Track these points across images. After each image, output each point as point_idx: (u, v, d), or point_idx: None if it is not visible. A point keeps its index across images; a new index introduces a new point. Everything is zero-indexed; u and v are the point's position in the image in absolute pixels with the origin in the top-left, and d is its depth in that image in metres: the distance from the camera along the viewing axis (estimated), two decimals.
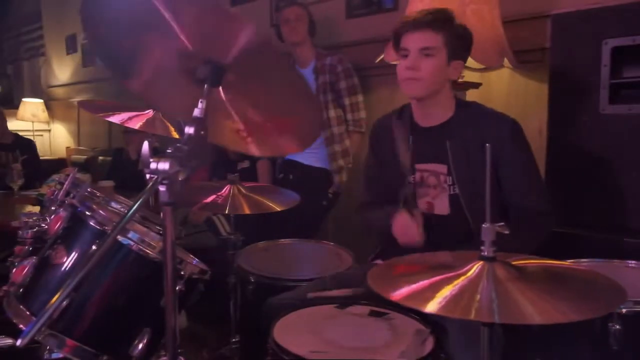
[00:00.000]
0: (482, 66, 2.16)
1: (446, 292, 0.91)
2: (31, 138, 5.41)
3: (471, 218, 1.57)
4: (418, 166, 1.66)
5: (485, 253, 0.98)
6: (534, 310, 0.86)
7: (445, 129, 1.63)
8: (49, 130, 6.89)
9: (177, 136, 2.09)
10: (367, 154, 1.86)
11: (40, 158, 5.03)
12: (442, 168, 1.62)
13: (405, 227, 1.56)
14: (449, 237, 1.52)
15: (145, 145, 0.97)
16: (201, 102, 1.07)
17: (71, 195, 1.32)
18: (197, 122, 1.05)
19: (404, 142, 1.66)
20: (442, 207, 1.63)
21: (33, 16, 6.93)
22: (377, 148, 1.80)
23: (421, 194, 1.66)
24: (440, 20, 1.55)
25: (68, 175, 1.38)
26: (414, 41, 1.56)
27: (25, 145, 4.43)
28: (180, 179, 0.97)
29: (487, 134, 1.55)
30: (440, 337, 1.26)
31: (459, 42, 1.58)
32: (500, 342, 1.31)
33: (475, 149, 1.55)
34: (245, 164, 3.14)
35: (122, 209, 1.49)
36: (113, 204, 1.50)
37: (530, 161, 1.61)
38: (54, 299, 0.94)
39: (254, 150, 1.23)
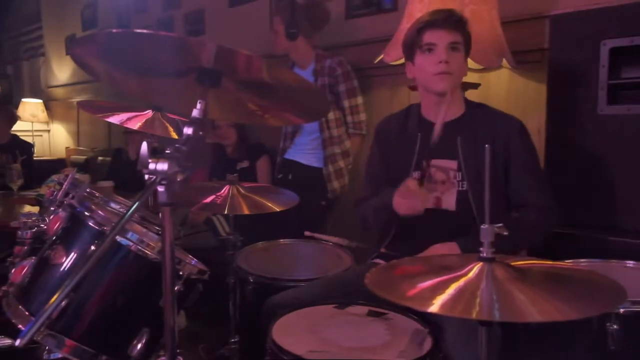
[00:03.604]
0: (481, 67, 2.16)
1: (446, 292, 0.91)
2: (30, 139, 5.42)
3: (478, 214, 1.60)
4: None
5: (485, 254, 0.98)
6: (534, 309, 0.86)
7: (457, 126, 1.66)
8: (49, 131, 6.89)
9: (176, 136, 2.09)
10: (370, 150, 1.88)
11: (40, 158, 5.03)
12: (452, 164, 1.65)
13: (409, 194, 1.54)
14: (453, 232, 1.56)
15: (144, 146, 0.97)
16: (200, 102, 1.07)
17: (70, 195, 1.32)
18: (196, 123, 1.05)
19: (415, 137, 1.70)
20: (449, 202, 1.65)
21: (33, 16, 6.92)
22: (382, 144, 1.82)
23: (429, 189, 1.67)
24: (458, 18, 1.62)
25: (67, 175, 1.38)
26: (441, 37, 1.60)
27: (22, 147, 4.43)
28: (179, 179, 0.97)
29: (496, 132, 1.62)
30: (438, 337, 1.26)
31: (469, 40, 1.67)
32: (498, 342, 1.32)
33: (484, 146, 1.57)
34: (245, 163, 3.14)
35: (121, 210, 1.49)
36: (112, 205, 1.51)
37: (535, 160, 1.68)
38: (53, 299, 0.94)
39: (271, 122, 1.39)
